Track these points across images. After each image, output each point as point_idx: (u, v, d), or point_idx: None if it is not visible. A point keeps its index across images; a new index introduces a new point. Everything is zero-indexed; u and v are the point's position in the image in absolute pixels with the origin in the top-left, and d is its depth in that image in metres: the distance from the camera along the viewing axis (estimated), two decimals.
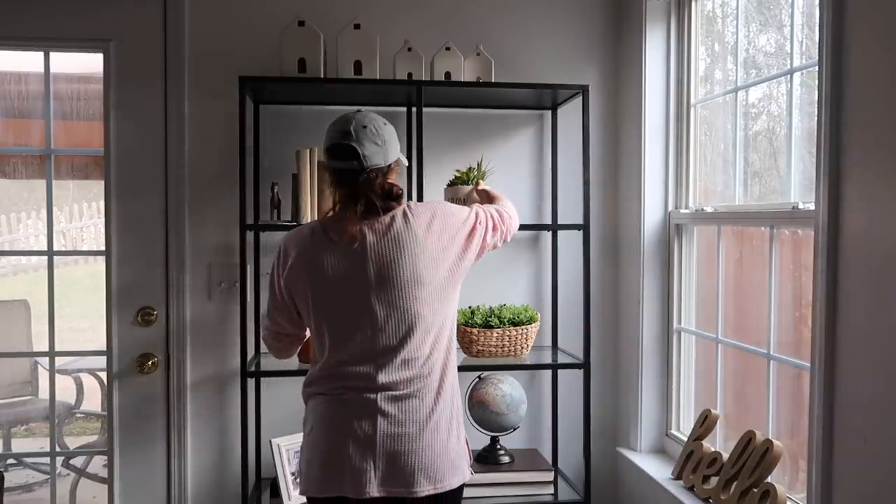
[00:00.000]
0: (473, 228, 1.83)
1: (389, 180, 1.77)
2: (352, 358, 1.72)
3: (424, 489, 1.69)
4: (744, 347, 2.23)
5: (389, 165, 1.77)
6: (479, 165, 2.48)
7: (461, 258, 1.79)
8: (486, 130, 2.56)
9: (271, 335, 1.90)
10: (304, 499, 2.33)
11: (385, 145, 1.74)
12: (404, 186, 2.46)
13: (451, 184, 2.43)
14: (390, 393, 1.70)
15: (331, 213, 1.80)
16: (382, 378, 1.70)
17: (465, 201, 2.24)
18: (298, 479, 1.82)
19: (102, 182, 2.52)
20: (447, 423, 1.75)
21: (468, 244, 1.81)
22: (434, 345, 1.75)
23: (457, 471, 1.75)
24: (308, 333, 1.87)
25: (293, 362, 2.51)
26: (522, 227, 2.53)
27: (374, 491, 1.67)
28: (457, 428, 1.79)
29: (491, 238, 1.89)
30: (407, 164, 1.92)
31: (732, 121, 2.29)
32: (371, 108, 2.60)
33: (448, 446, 1.74)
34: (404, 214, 1.75)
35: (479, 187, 2.24)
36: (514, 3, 2.69)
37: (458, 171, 2.46)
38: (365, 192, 1.71)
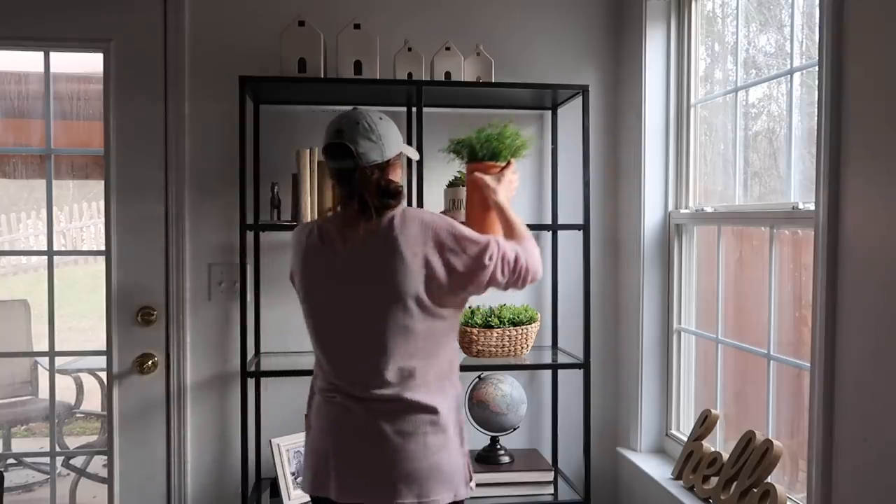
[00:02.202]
0: (478, 258, 1.65)
1: (389, 176, 1.71)
2: (339, 364, 1.71)
3: (407, 499, 1.62)
4: (744, 347, 2.23)
5: (388, 161, 1.70)
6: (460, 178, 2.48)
7: (449, 281, 1.64)
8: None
9: None
10: (304, 498, 2.35)
11: (381, 140, 1.68)
12: (404, 180, 2.28)
13: (451, 184, 2.43)
14: (377, 402, 1.66)
15: (330, 213, 1.80)
16: (367, 389, 1.66)
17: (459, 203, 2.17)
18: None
19: (102, 182, 2.52)
20: (442, 436, 1.67)
21: (466, 272, 1.64)
22: (427, 358, 1.68)
23: (447, 486, 1.67)
24: None
25: (293, 362, 2.52)
26: None
27: (358, 497, 1.65)
28: (454, 443, 1.71)
29: (496, 281, 1.69)
30: (417, 156, 1.86)
31: (732, 121, 2.29)
32: (371, 108, 2.62)
33: (440, 459, 1.66)
34: (391, 223, 1.65)
35: (495, 197, 1.87)
36: (514, 3, 2.69)
37: (458, 171, 2.46)
38: (359, 191, 1.65)
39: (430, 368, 1.69)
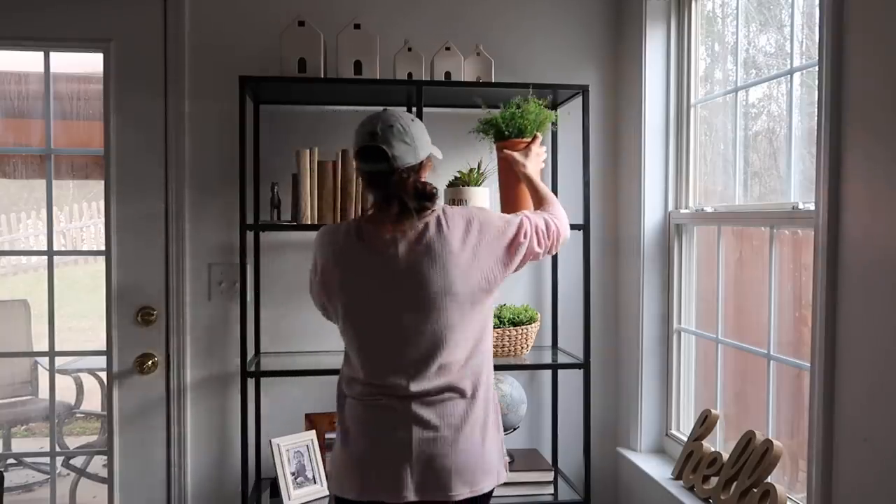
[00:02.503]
0: (515, 238, 1.75)
1: (422, 178, 1.74)
2: (384, 366, 1.69)
3: (461, 492, 1.67)
4: (744, 347, 2.23)
5: (421, 163, 1.72)
6: (479, 166, 2.48)
7: (497, 268, 1.72)
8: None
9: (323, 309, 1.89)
10: (304, 498, 2.35)
11: (415, 142, 1.69)
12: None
13: (452, 184, 2.43)
14: (425, 399, 1.67)
15: (366, 216, 1.76)
16: (415, 386, 1.67)
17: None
18: (328, 480, 1.79)
19: (102, 182, 2.53)
20: (482, 426, 1.72)
21: (509, 256, 1.74)
22: (471, 350, 1.72)
23: (490, 473, 1.72)
24: None
25: (294, 363, 2.52)
26: None
27: (410, 496, 1.65)
28: (493, 430, 1.76)
29: (535, 252, 1.80)
30: (441, 156, 1.87)
31: (732, 121, 2.29)
32: (371, 108, 2.61)
33: (483, 449, 1.71)
34: (438, 222, 1.69)
35: (524, 170, 2.01)
36: (514, 3, 2.70)
37: (458, 171, 2.46)
38: (397, 194, 1.66)
39: (476, 358, 1.73)
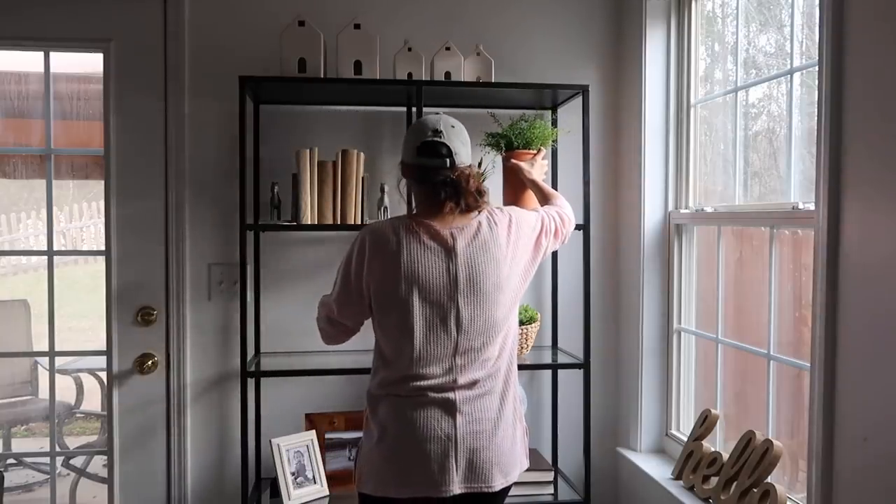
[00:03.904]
0: (540, 234, 1.90)
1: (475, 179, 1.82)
2: (432, 357, 1.73)
3: (499, 483, 1.75)
4: (744, 347, 2.23)
5: (470, 165, 1.82)
6: (479, 165, 2.48)
7: (531, 264, 1.87)
8: (486, 130, 2.54)
9: (326, 319, 1.92)
10: (305, 498, 2.35)
11: (468, 145, 1.81)
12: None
13: None
14: (468, 392, 1.74)
15: (417, 212, 1.83)
16: (462, 378, 1.73)
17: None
18: (358, 481, 1.81)
19: (102, 182, 2.52)
20: (513, 419, 1.81)
21: (536, 251, 1.88)
22: (503, 345, 1.80)
23: (519, 464, 1.83)
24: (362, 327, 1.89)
25: (294, 363, 2.51)
26: None
27: (455, 489, 1.71)
28: (521, 423, 1.86)
29: (553, 244, 1.96)
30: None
31: (732, 121, 2.29)
32: (371, 108, 2.63)
33: (515, 439, 1.81)
34: (488, 219, 1.80)
35: (530, 177, 2.21)
36: (514, 2, 2.69)
37: None
38: (457, 191, 1.75)
39: (508, 353, 1.83)
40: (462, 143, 1.79)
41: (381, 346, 1.80)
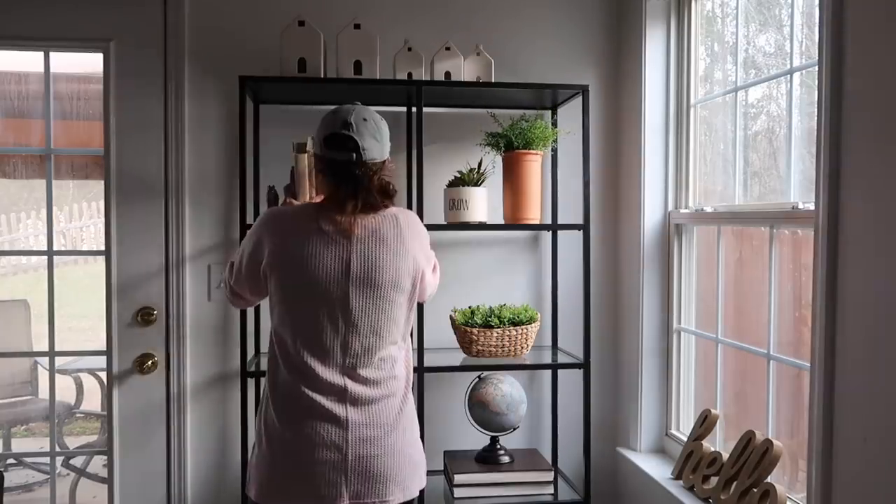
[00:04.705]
0: (432, 257, 1.90)
1: (383, 175, 1.75)
2: (321, 352, 1.68)
3: (396, 497, 1.68)
4: (744, 347, 2.23)
5: (384, 161, 1.77)
6: (479, 165, 2.49)
7: (422, 279, 1.81)
8: (486, 130, 2.55)
9: (231, 290, 1.89)
10: None
11: (382, 140, 1.75)
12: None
13: (452, 184, 2.43)
14: (360, 393, 1.68)
15: (321, 203, 1.76)
16: (354, 378, 1.69)
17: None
18: (248, 481, 1.75)
19: (102, 182, 2.53)
20: (411, 428, 1.77)
21: (426, 272, 1.84)
22: (403, 350, 1.78)
23: (419, 476, 1.76)
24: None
25: None
26: (523, 228, 2.54)
27: (345, 503, 1.65)
28: (416, 434, 1.81)
29: (429, 281, 1.89)
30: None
31: (732, 121, 2.29)
32: (371, 108, 2.62)
33: (414, 450, 1.76)
34: (395, 215, 1.76)
35: None
36: (514, 3, 2.70)
37: (458, 171, 2.46)
38: (364, 186, 1.69)
39: (406, 361, 1.80)
40: (374, 137, 1.71)
41: (273, 335, 1.75)
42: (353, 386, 1.69)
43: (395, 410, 1.72)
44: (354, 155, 1.68)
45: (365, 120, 1.71)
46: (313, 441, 1.66)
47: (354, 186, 1.69)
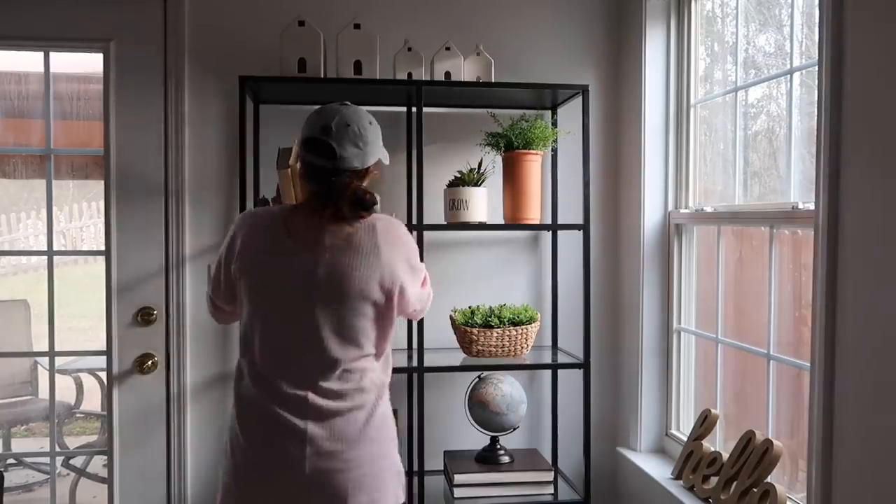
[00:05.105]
0: (422, 271, 1.80)
1: (364, 184, 1.69)
2: (283, 363, 1.63)
3: None
4: (744, 347, 2.23)
5: (367, 168, 1.69)
6: (479, 165, 2.49)
7: (404, 277, 1.71)
8: (486, 130, 2.56)
9: (211, 304, 1.84)
10: None
11: (366, 148, 1.66)
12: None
13: (452, 184, 2.43)
14: (321, 405, 1.61)
15: (296, 206, 1.72)
16: (317, 390, 1.61)
17: None
18: (218, 492, 1.71)
19: (102, 182, 2.53)
20: (381, 440, 1.67)
21: (412, 273, 1.75)
22: (377, 362, 1.71)
23: (392, 490, 1.68)
24: None
25: None
26: (523, 228, 2.54)
27: None
28: (391, 449, 1.71)
29: (415, 295, 1.78)
30: (388, 160, 1.82)
31: (732, 121, 2.29)
32: (371, 108, 2.62)
33: (385, 462, 1.67)
34: (373, 224, 1.69)
35: None
36: (514, 3, 2.69)
37: (458, 171, 2.46)
38: (335, 197, 1.62)
39: (375, 370, 1.70)
40: (355, 144, 1.63)
41: (240, 341, 1.71)
42: (314, 398, 1.61)
43: (359, 423, 1.63)
44: (332, 163, 1.62)
45: (347, 125, 1.64)
46: (273, 455, 1.60)
47: (329, 194, 1.62)
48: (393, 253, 1.68)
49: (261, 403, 1.63)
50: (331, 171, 1.62)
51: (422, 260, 2.10)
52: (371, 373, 1.69)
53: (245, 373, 1.68)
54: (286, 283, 1.63)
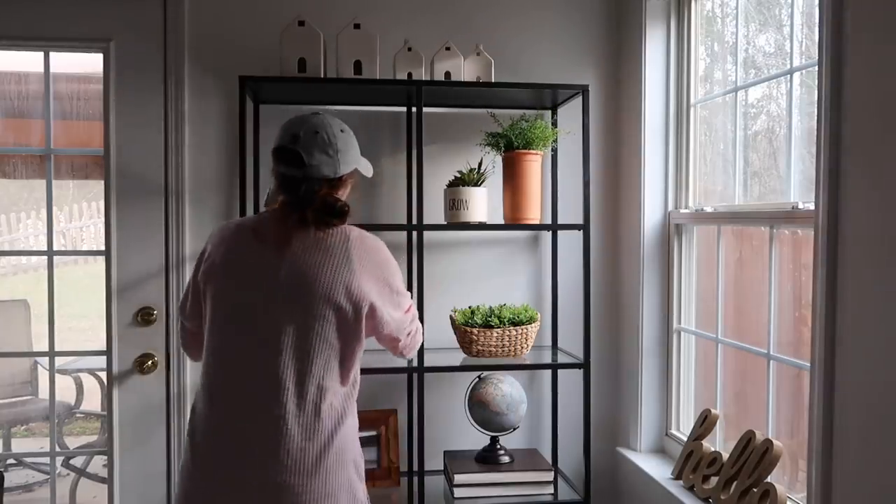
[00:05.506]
0: (403, 295, 1.73)
1: (337, 194, 1.66)
2: (238, 383, 1.57)
3: None
4: (744, 347, 2.23)
5: (341, 177, 1.66)
6: (479, 165, 2.49)
7: (373, 313, 1.64)
8: (486, 130, 2.56)
9: (181, 329, 1.79)
10: None
11: (338, 155, 1.63)
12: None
13: (452, 184, 2.43)
14: (280, 423, 1.53)
15: (269, 213, 1.70)
16: (278, 410, 1.54)
17: None
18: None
19: (102, 182, 2.53)
20: (339, 468, 1.58)
21: (391, 294, 1.68)
22: (339, 395, 1.61)
23: None
24: None
25: None
26: (522, 228, 2.54)
27: None
28: (351, 473, 1.62)
29: (394, 321, 1.71)
30: (371, 173, 1.80)
31: (732, 121, 2.30)
32: (371, 108, 2.63)
33: (342, 493, 1.58)
34: (346, 234, 1.64)
35: None
36: (514, 3, 2.70)
37: (458, 171, 2.46)
38: (302, 205, 1.59)
39: (336, 397, 1.62)
40: (325, 152, 1.60)
41: (203, 357, 1.65)
42: (266, 425, 1.54)
43: (315, 453, 1.55)
44: (301, 172, 1.59)
45: (316, 133, 1.61)
46: (222, 488, 1.54)
47: (298, 202, 1.60)
48: (364, 265, 1.62)
49: (212, 432, 1.57)
50: (301, 179, 1.60)
51: (420, 265, 2.08)
52: (332, 398, 1.60)
53: (200, 392, 1.64)
54: (250, 282, 1.59)
